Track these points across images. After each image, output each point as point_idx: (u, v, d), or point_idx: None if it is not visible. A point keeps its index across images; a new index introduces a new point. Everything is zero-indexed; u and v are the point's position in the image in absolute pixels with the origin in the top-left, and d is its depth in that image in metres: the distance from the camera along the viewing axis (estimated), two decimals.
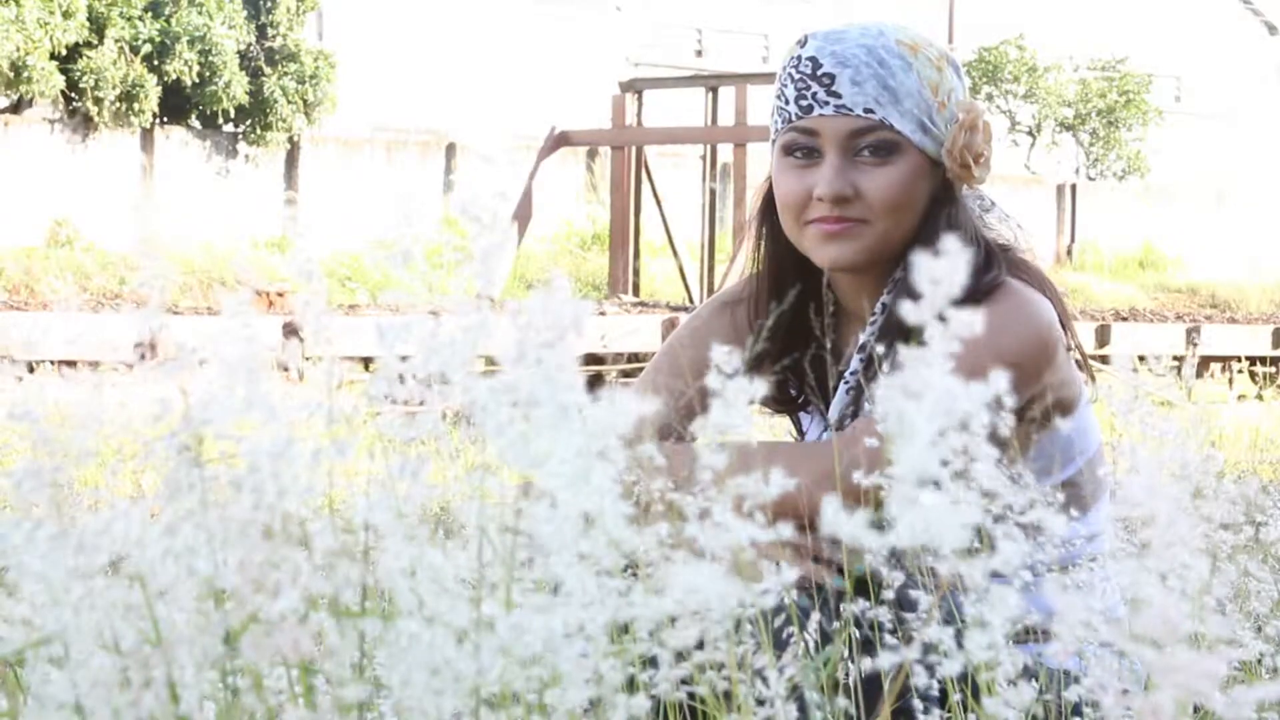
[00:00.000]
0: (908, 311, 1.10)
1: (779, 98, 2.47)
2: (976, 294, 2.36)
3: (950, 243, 1.11)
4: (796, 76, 2.43)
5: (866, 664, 1.60)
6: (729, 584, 1.11)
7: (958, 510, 1.02)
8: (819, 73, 2.41)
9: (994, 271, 2.40)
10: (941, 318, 1.08)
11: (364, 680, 1.25)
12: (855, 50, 2.41)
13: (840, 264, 2.42)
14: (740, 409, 1.16)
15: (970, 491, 1.09)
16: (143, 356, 1.24)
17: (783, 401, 2.62)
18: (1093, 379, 2.49)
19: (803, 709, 1.75)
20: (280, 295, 16.39)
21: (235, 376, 1.15)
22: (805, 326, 2.52)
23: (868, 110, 2.39)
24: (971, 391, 1.07)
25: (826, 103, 2.40)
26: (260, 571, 1.21)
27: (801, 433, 2.63)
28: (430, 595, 1.21)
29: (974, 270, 2.41)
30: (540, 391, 1.10)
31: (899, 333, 2.37)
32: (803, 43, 2.46)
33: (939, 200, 2.44)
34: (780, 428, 4.83)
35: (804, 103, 2.42)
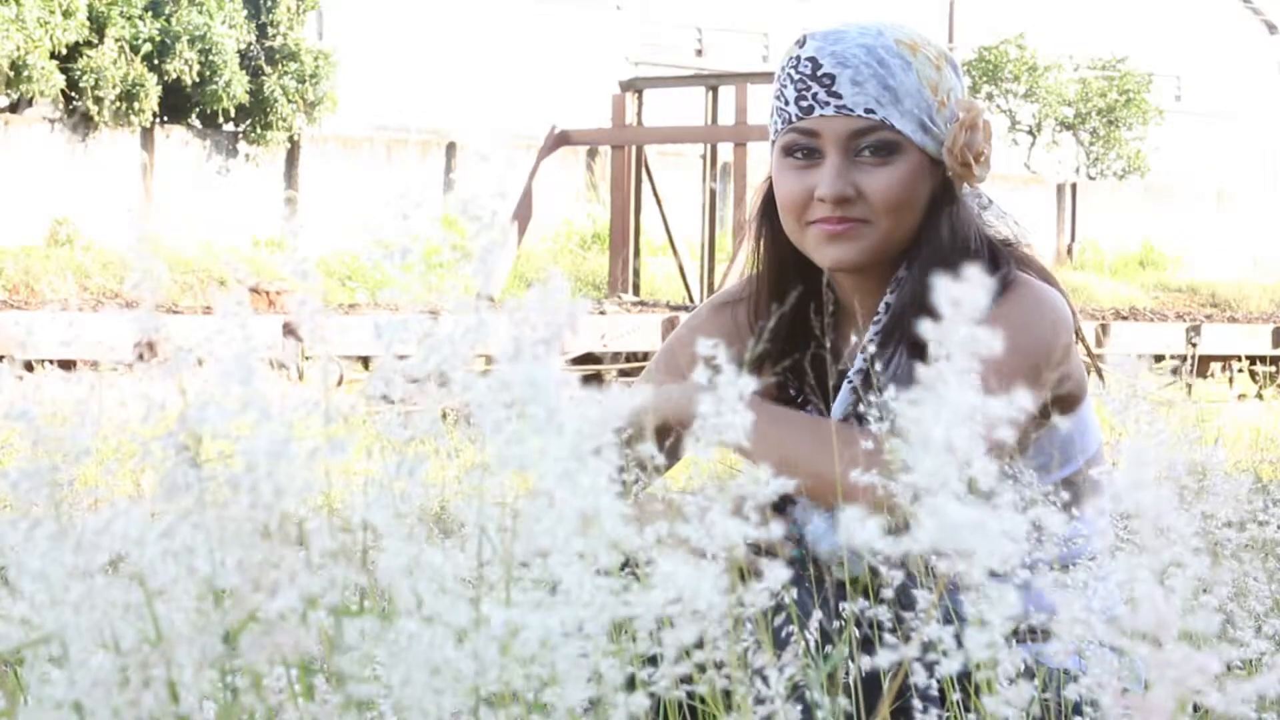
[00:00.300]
0: (927, 331, 1.11)
1: (778, 98, 2.46)
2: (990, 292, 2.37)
3: (974, 272, 1.11)
4: (796, 77, 2.43)
5: (865, 662, 1.60)
6: (719, 580, 1.11)
7: (991, 518, 1.02)
8: (819, 73, 2.41)
9: (1004, 269, 2.41)
10: (960, 336, 1.09)
11: (363, 679, 1.25)
12: (855, 50, 2.41)
13: (843, 264, 2.42)
14: (731, 403, 1.16)
15: (1001, 502, 1.09)
16: (141, 356, 1.24)
17: (784, 401, 2.62)
18: (1100, 375, 2.50)
19: (804, 708, 1.75)
20: (280, 294, 16.38)
21: (230, 376, 1.15)
22: (805, 326, 2.52)
23: (868, 110, 2.39)
24: (998, 400, 1.08)
25: (827, 103, 2.40)
26: (259, 571, 1.21)
27: None
28: (429, 594, 1.21)
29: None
30: (534, 388, 1.10)
31: (905, 337, 2.38)
32: (801, 43, 2.46)
33: (939, 199, 2.45)
34: None
35: (804, 103, 2.41)
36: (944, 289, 1.09)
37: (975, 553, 1.03)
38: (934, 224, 2.43)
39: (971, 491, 1.09)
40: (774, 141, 2.48)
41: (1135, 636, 1.07)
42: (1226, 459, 6.72)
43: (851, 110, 2.39)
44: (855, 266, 2.42)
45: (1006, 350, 1.93)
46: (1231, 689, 1.03)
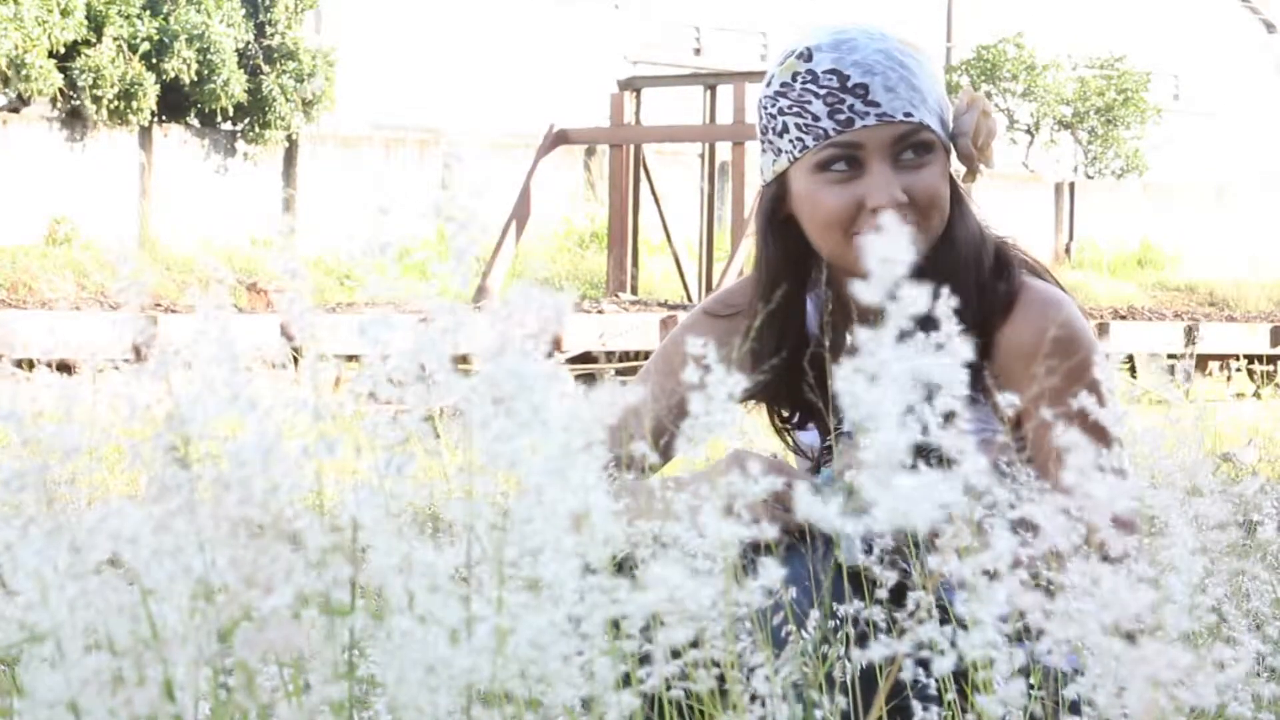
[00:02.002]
0: (860, 291, 1.11)
1: (799, 115, 2.42)
2: (1010, 298, 2.40)
3: (888, 219, 1.12)
4: (821, 92, 2.40)
5: (862, 658, 1.60)
6: (705, 581, 1.11)
7: (933, 489, 1.02)
8: (850, 85, 2.39)
9: (1015, 275, 2.43)
10: (893, 296, 1.09)
11: (355, 678, 1.25)
12: (875, 56, 2.40)
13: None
14: (721, 401, 1.16)
15: (950, 471, 1.08)
16: (133, 356, 1.24)
17: (795, 405, 2.59)
18: None
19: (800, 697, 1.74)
20: (279, 292, 16.36)
21: (217, 375, 1.15)
22: (798, 327, 2.52)
23: (907, 114, 2.38)
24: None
25: (866, 113, 2.38)
26: (252, 568, 1.20)
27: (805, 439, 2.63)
28: (422, 592, 1.21)
29: (992, 274, 2.43)
30: (520, 383, 1.09)
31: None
32: (807, 57, 2.43)
33: (952, 196, 2.46)
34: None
35: (841, 116, 2.39)
36: (871, 246, 1.10)
37: (921, 521, 1.03)
38: (956, 219, 2.44)
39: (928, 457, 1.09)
40: (794, 159, 2.43)
41: (1108, 631, 1.07)
42: (1224, 460, 6.70)
43: (892, 116, 2.38)
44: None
45: (1067, 353, 1.94)
46: (1201, 679, 1.02)
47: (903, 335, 2.40)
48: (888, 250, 1.06)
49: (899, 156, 2.39)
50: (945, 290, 1.42)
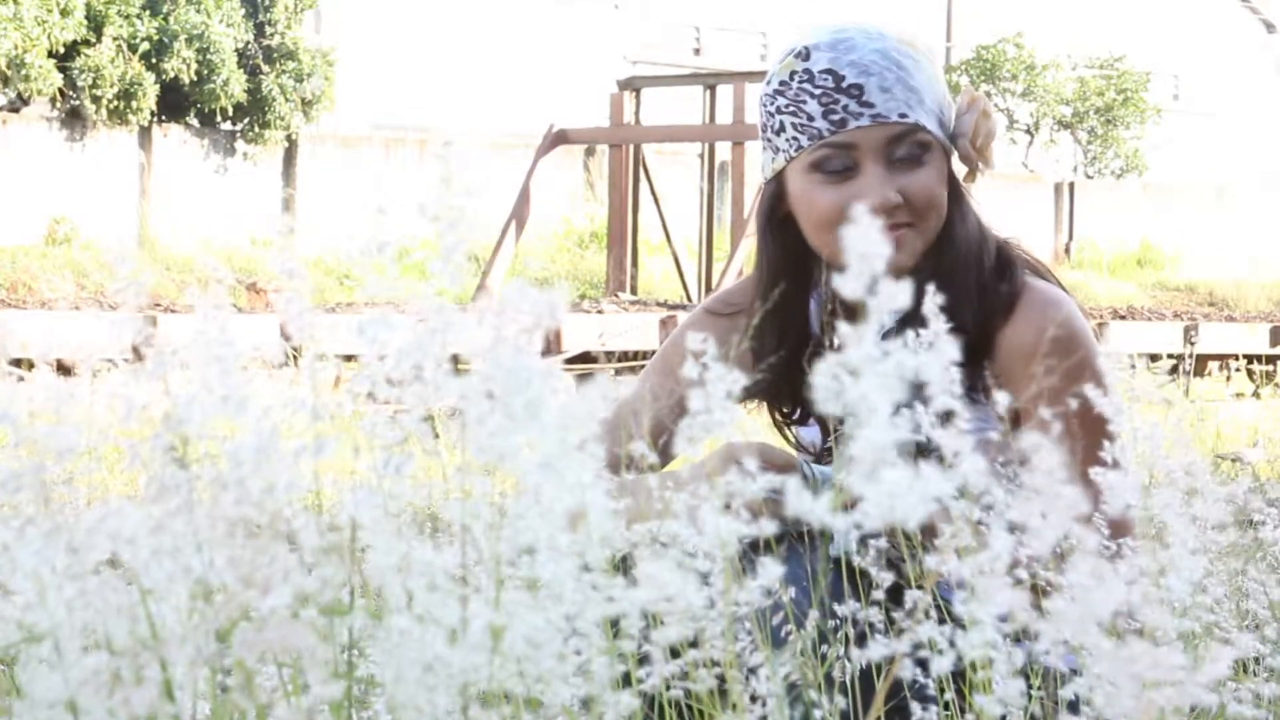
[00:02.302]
0: (840, 285, 1.12)
1: (795, 115, 2.42)
2: (1011, 298, 2.40)
3: (861, 210, 1.13)
4: (817, 92, 2.40)
5: (861, 657, 1.60)
6: (696, 581, 1.11)
7: (921, 483, 1.01)
8: (845, 85, 2.38)
9: (1017, 275, 2.43)
10: (872, 292, 1.09)
11: (354, 677, 1.25)
12: (872, 57, 2.39)
13: (896, 272, 2.39)
14: (720, 399, 1.16)
15: (938, 467, 1.08)
16: (132, 356, 1.24)
17: (796, 404, 2.59)
18: None
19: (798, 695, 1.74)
20: (278, 292, 16.37)
21: (213, 375, 1.15)
22: (800, 327, 2.52)
23: (901, 115, 2.38)
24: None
25: (860, 114, 2.38)
26: (250, 568, 1.20)
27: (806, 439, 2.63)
28: (421, 592, 1.21)
29: (994, 274, 2.43)
30: (514, 380, 1.09)
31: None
32: (804, 55, 2.43)
33: (952, 195, 2.46)
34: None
35: (835, 117, 2.39)
36: (850, 240, 1.10)
37: (910, 517, 1.02)
38: (956, 219, 2.44)
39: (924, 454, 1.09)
40: (790, 158, 2.44)
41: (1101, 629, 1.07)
42: (1212, 456, 6.71)
43: (886, 117, 2.38)
44: (905, 272, 2.40)
45: (1066, 354, 1.93)
46: (1187, 678, 1.03)
47: (895, 332, 2.40)
48: (866, 246, 1.06)
49: (894, 157, 2.39)
50: (937, 289, 1.42)
